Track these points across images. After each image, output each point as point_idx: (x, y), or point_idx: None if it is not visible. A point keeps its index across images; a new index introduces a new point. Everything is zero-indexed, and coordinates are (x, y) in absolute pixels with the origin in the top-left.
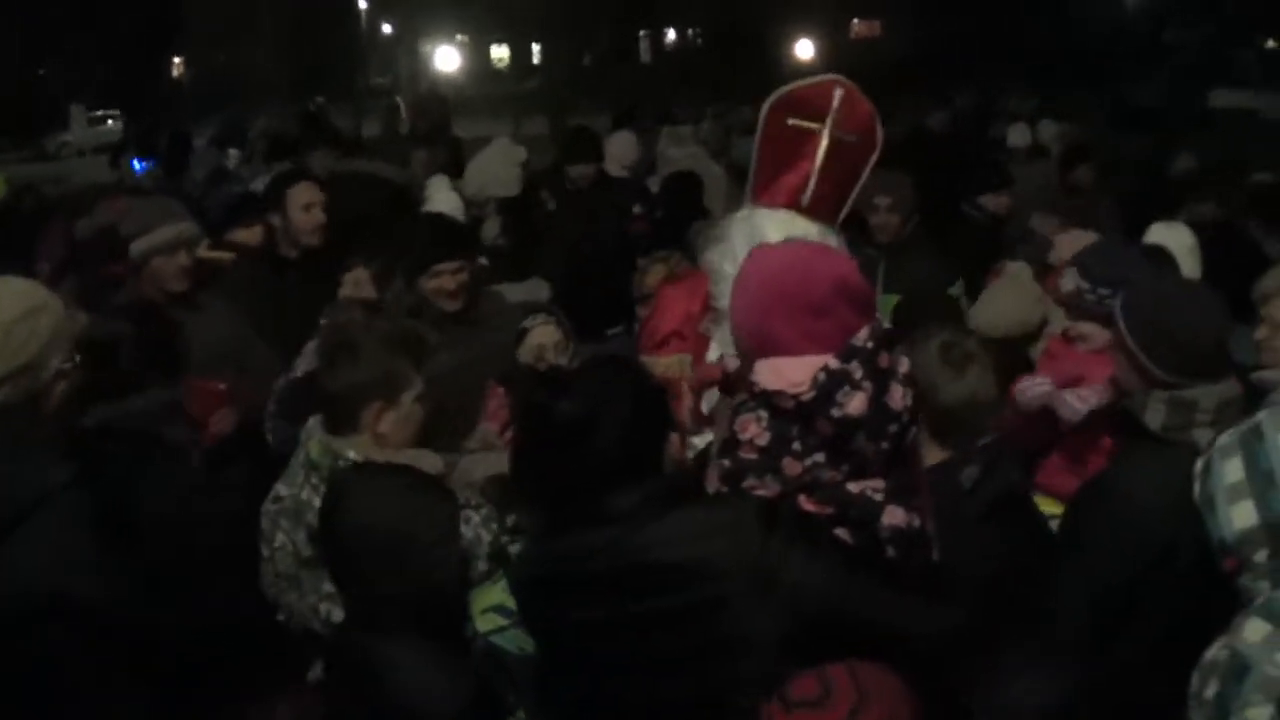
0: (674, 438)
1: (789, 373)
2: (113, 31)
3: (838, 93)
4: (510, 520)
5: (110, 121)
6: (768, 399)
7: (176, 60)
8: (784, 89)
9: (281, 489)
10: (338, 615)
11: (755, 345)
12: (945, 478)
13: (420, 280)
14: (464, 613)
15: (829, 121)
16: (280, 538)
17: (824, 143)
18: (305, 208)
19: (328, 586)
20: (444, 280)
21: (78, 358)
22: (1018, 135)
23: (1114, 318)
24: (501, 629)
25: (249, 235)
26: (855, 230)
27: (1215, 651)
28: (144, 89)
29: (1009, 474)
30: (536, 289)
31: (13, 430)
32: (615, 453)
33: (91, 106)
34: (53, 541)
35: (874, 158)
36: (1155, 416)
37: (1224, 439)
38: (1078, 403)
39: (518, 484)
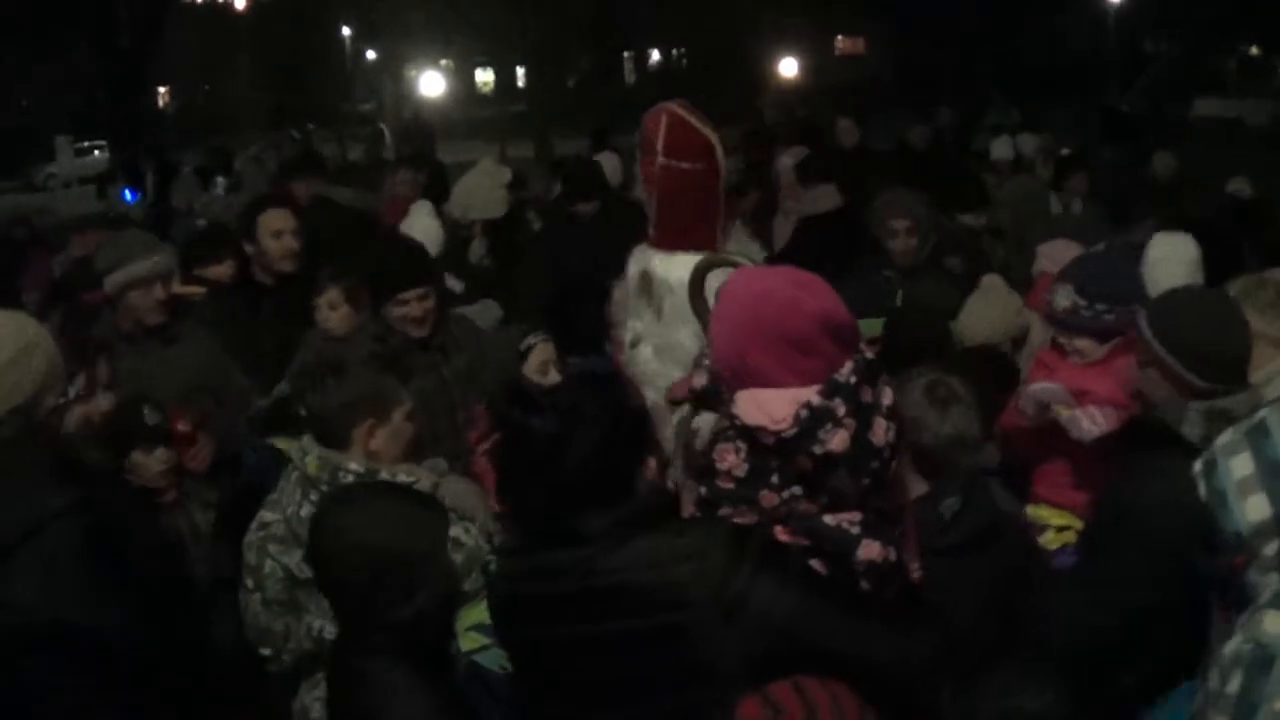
0: (650, 460)
1: (770, 407)
2: (96, 62)
3: (664, 120)
4: (497, 540)
5: (96, 152)
6: (748, 433)
7: (161, 90)
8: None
9: (267, 515)
10: (330, 632)
11: (734, 376)
12: (927, 510)
13: (386, 307)
14: (451, 629)
15: (658, 150)
16: (269, 564)
17: (657, 172)
18: (276, 234)
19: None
20: (410, 307)
21: (71, 391)
22: (1002, 148)
23: (1140, 332)
24: (484, 648)
25: (219, 270)
26: (872, 253)
27: (1236, 646)
28: (129, 119)
29: (989, 505)
30: (488, 310)
31: (8, 461)
32: (587, 473)
33: (77, 138)
34: (50, 569)
35: (719, 181)
36: (1194, 428)
37: (1226, 437)
38: (1090, 425)
39: (503, 501)
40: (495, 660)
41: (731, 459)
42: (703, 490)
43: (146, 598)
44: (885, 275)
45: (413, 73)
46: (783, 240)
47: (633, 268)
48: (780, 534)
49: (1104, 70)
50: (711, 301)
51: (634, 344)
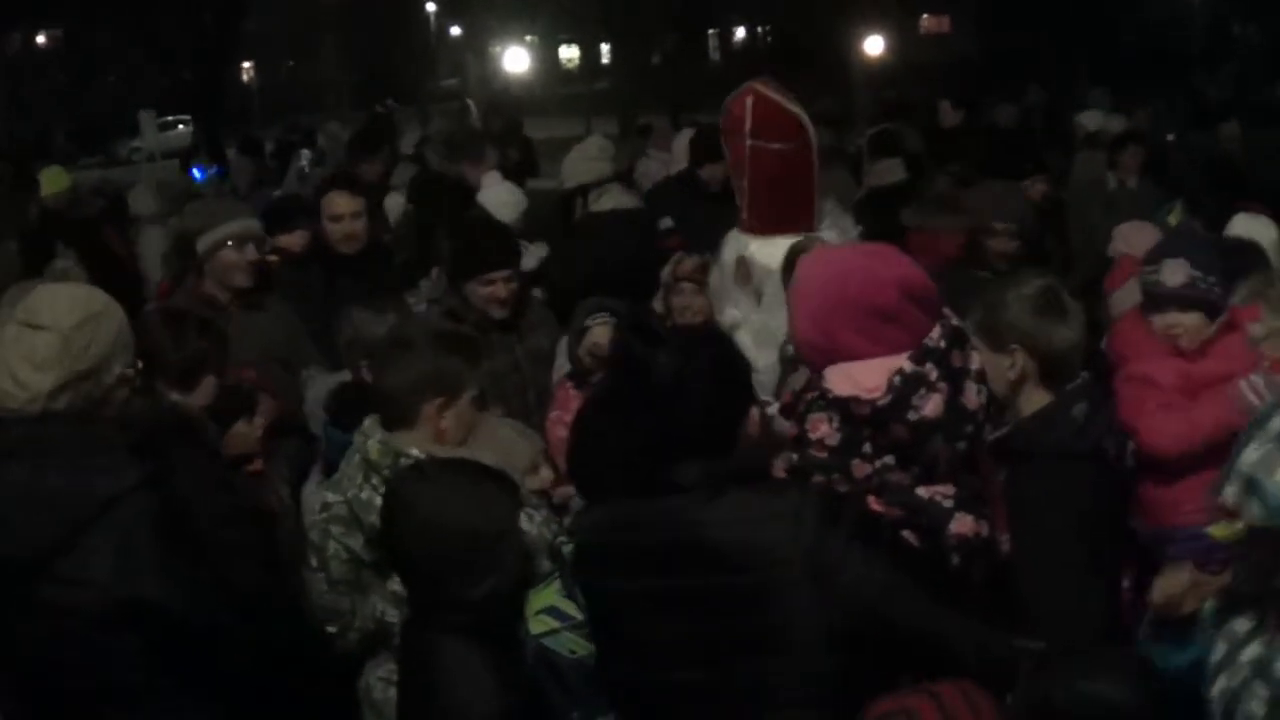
0: (754, 414)
1: (862, 378)
2: (181, 37)
3: (749, 101)
4: (566, 521)
5: (180, 127)
6: (842, 405)
7: (246, 65)
8: (724, 108)
9: (330, 496)
10: (393, 615)
11: (822, 353)
12: (1059, 415)
13: (471, 285)
14: (521, 611)
15: (746, 132)
16: (333, 545)
17: (746, 154)
18: (335, 219)
19: (393, 585)
20: (496, 288)
21: (140, 363)
22: (1090, 119)
23: None
24: (554, 631)
25: (290, 240)
26: (968, 252)
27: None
28: (213, 95)
29: (1111, 413)
30: None
31: (79, 434)
32: (698, 417)
33: (161, 113)
34: (125, 545)
35: (813, 160)
36: None
37: None
38: None
39: (576, 458)
40: (565, 644)
41: (824, 429)
42: (794, 457)
43: (224, 573)
44: (978, 275)
45: (497, 49)
46: None
47: (727, 254)
48: (873, 504)
49: (1191, 54)
50: None
51: (731, 330)
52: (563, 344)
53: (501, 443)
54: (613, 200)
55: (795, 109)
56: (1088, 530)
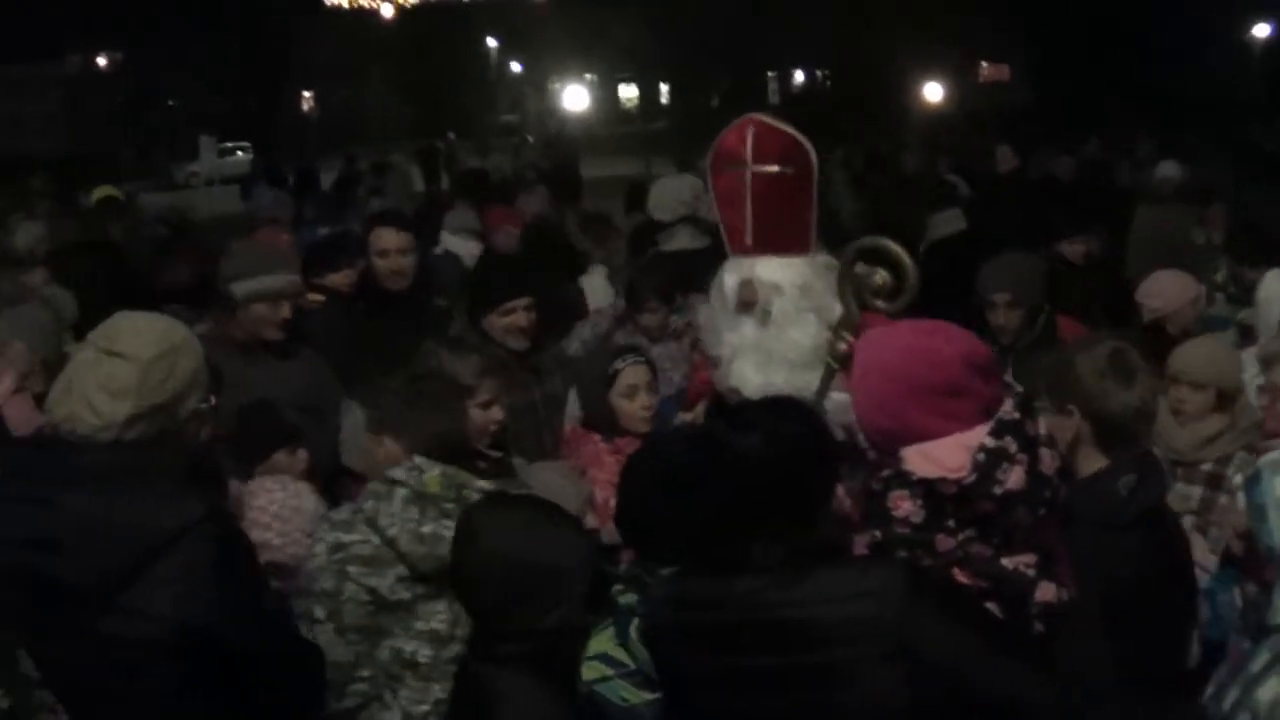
0: (840, 491)
1: (942, 457)
2: (242, 65)
3: (750, 130)
4: (621, 569)
5: (239, 153)
6: (928, 486)
7: (306, 94)
8: (714, 143)
9: (343, 537)
10: (425, 655)
11: (893, 436)
12: (1104, 484)
13: (490, 318)
14: (583, 650)
15: (748, 160)
16: (350, 588)
17: (748, 181)
18: (381, 254)
19: (420, 624)
20: (516, 317)
21: (214, 399)
22: (1167, 169)
23: None
24: (606, 679)
25: (337, 279)
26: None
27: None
28: (273, 123)
29: (1162, 484)
30: None
31: (145, 464)
32: (783, 497)
33: (221, 139)
34: (188, 578)
35: (813, 182)
36: None
37: (1272, 456)
38: None
39: (631, 526)
40: (616, 692)
41: (907, 506)
42: (877, 534)
43: (274, 607)
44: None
45: (556, 86)
46: None
47: (728, 280)
48: (959, 576)
49: (1247, 106)
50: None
51: (731, 359)
52: (572, 393)
53: (548, 487)
54: (679, 243)
55: (795, 133)
56: (1122, 597)
